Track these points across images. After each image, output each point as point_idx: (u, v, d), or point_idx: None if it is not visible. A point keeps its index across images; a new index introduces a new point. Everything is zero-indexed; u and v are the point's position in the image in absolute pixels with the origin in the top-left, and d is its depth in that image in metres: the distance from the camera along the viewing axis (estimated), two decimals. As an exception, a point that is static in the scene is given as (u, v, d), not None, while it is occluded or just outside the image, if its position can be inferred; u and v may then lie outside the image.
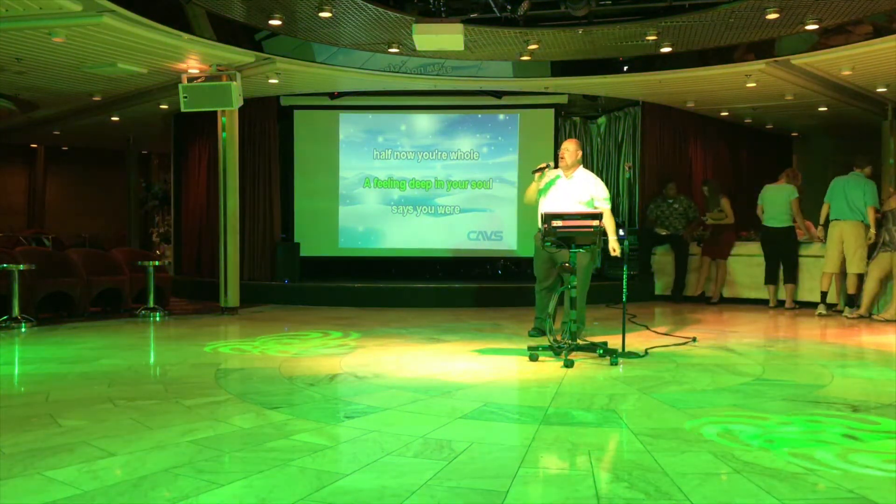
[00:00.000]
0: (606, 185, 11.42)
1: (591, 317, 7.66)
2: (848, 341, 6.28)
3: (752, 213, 9.07)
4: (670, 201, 9.78)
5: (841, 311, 7.95)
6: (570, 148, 5.94)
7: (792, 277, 8.69)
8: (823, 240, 8.14)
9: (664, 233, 9.75)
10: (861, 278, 7.78)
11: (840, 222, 7.87)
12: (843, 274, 7.99)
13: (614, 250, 5.63)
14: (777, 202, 8.63)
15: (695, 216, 9.70)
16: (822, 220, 8.13)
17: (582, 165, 6.00)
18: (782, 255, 8.68)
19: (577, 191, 5.84)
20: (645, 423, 3.54)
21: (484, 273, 11.02)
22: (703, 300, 9.41)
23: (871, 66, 7.98)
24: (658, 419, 3.60)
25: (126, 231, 15.26)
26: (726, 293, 9.41)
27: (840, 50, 7.58)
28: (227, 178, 8.45)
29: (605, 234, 5.47)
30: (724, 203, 9.34)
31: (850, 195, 7.80)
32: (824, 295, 8.01)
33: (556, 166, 6.04)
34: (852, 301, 7.81)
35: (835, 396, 4.11)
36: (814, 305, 8.19)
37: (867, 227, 7.76)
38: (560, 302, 5.47)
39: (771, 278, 8.82)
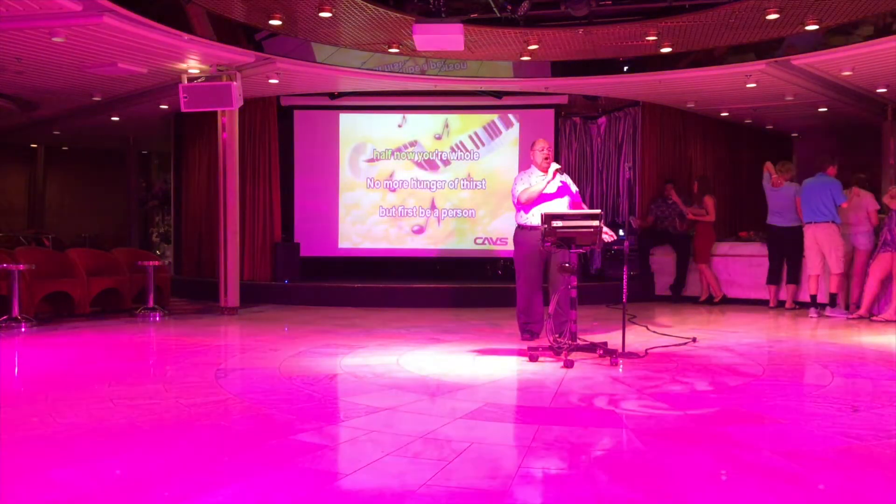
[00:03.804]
0: (606, 185, 11.60)
1: (591, 316, 7.68)
2: (848, 341, 6.28)
3: (753, 214, 9.06)
4: (671, 202, 9.79)
5: (825, 311, 7.97)
6: (550, 146, 6.13)
7: (795, 278, 8.69)
8: None
9: (634, 225, 9.89)
10: (841, 278, 7.89)
11: (812, 225, 8.00)
12: (827, 275, 8.05)
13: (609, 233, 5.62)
14: (783, 200, 8.62)
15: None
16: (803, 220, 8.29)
17: None
18: (788, 254, 8.68)
19: (561, 186, 6.02)
20: (645, 423, 3.54)
21: (484, 273, 11.02)
22: (704, 300, 9.44)
23: (871, 66, 7.98)
24: (658, 419, 3.60)
25: (126, 231, 15.25)
26: (727, 293, 9.42)
27: (840, 50, 7.59)
28: (227, 178, 8.45)
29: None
30: (707, 201, 9.38)
31: (815, 198, 7.92)
32: (814, 298, 8.03)
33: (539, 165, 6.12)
34: (834, 300, 7.88)
35: (835, 396, 4.11)
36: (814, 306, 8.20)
37: (839, 226, 7.86)
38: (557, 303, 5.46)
39: (773, 278, 8.81)
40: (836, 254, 7.82)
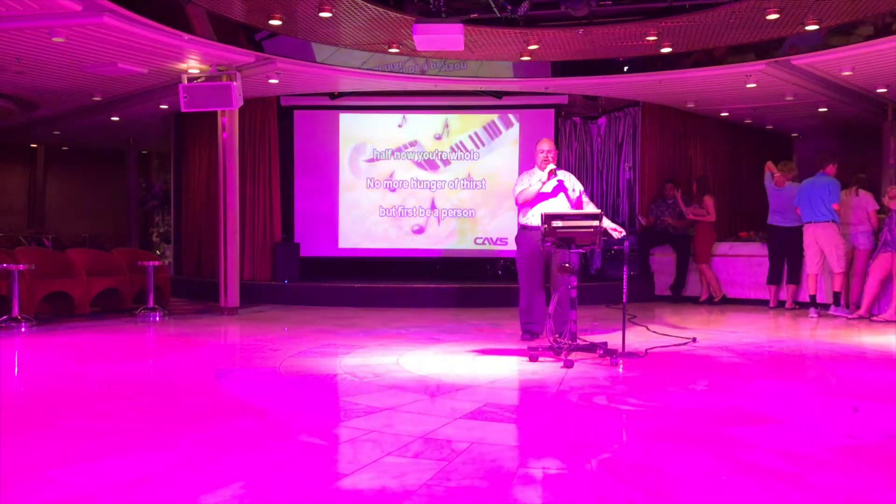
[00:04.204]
0: (606, 185, 11.60)
1: (590, 316, 7.68)
2: (848, 342, 6.28)
3: (753, 214, 9.05)
4: (670, 202, 9.80)
5: (828, 310, 7.95)
6: (553, 148, 6.09)
7: (795, 278, 8.69)
8: None
9: (642, 221, 9.91)
10: (844, 276, 7.86)
11: (812, 225, 7.98)
12: (827, 274, 8.03)
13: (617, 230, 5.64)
14: (785, 200, 8.62)
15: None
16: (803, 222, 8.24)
17: None
18: (788, 254, 8.67)
19: (567, 189, 5.99)
20: (645, 423, 3.54)
21: (484, 273, 11.02)
22: (704, 300, 9.44)
23: (871, 66, 7.98)
24: (658, 419, 3.60)
25: (126, 231, 15.26)
26: (727, 293, 9.42)
27: (840, 50, 7.59)
28: (227, 178, 8.44)
29: (605, 233, 5.47)
30: (707, 201, 9.39)
31: (815, 197, 7.91)
32: (813, 298, 8.02)
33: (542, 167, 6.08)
34: (838, 298, 7.86)
35: (835, 397, 4.11)
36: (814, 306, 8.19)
37: (839, 225, 7.85)
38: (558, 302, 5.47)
39: (774, 278, 8.81)
40: (837, 252, 7.82)
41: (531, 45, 8.08)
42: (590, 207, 5.97)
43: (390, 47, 8.20)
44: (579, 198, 6.05)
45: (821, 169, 8.01)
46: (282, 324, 7.51)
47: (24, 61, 7.69)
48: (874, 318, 7.51)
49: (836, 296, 7.90)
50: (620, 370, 4.84)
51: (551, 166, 5.90)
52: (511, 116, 10.86)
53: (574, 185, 6.06)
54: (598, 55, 8.60)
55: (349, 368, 4.90)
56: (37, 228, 14.50)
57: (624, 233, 5.68)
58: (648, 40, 7.84)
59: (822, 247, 7.93)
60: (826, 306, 8.04)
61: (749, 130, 12.11)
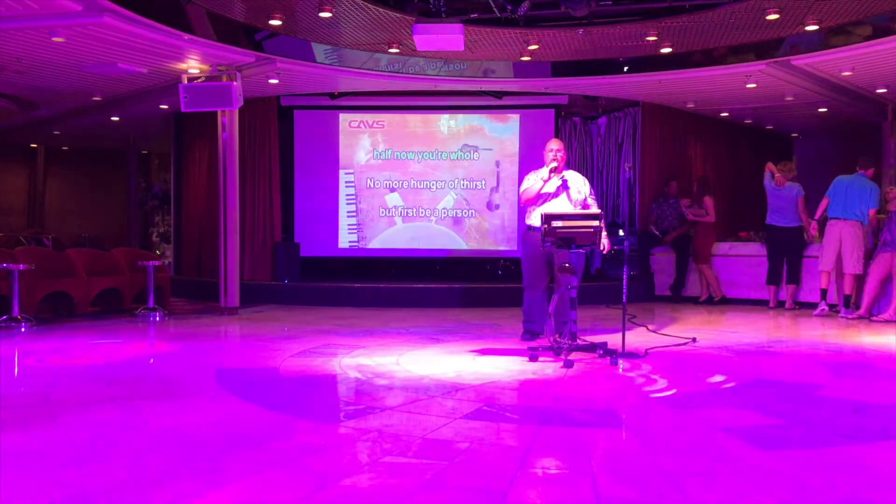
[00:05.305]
0: (606, 184, 11.61)
1: (590, 316, 7.68)
2: (848, 342, 6.28)
3: (753, 214, 9.05)
4: (672, 201, 9.80)
5: (838, 312, 7.93)
6: (563, 149, 6.02)
7: (795, 278, 8.69)
8: (819, 237, 8.15)
9: (656, 232, 9.83)
10: (857, 279, 7.81)
11: (839, 221, 7.88)
12: (838, 273, 8.00)
13: (604, 248, 5.63)
14: (785, 200, 8.61)
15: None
16: (817, 216, 8.16)
17: None
18: (789, 254, 8.67)
19: (572, 189, 5.94)
20: (644, 423, 3.54)
21: (484, 273, 11.02)
22: (704, 300, 9.43)
23: (871, 66, 7.98)
24: (657, 419, 3.60)
25: (126, 231, 15.26)
26: (726, 293, 9.42)
27: (840, 50, 7.59)
28: (227, 178, 8.44)
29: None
30: (707, 201, 9.39)
31: (852, 196, 7.83)
32: (824, 293, 8.00)
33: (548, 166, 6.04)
34: (848, 301, 7.83)
35: (834, 397, 4.11)
36: (815, 306, 8.18)
37: (866, 227, 7.79)
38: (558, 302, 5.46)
39: (773, 278, 8.81)
40: (858, 253, 7.76)
41: (531, 45, 8.09)
42: (593, 209, 5.88)
43: (390, 47, 8.21)
44: (585, 199, 6.00)
45: (862, 169, 7.93)
46: (282, 324, 7.51)
47: (24, 61, 7.69)
48: (874, 318, 7.51)
49: (847, 298, 7.85)
50: (620, 370, 4.84)
51: (553, 165, 5.88)
52: (511, 116, 10.86)
53: (581, 186, 5.96)
54: (598, 55, 8.61)
55: (349, 368, 4.90)
56: (37, 228, 14.49)
57: (608, 248, 5.65)
58: (648, 40, 7.85)
59: (843, 246, 7.83)
60: (834, 307, 8.03)
61: (749, 130, 12.12)
